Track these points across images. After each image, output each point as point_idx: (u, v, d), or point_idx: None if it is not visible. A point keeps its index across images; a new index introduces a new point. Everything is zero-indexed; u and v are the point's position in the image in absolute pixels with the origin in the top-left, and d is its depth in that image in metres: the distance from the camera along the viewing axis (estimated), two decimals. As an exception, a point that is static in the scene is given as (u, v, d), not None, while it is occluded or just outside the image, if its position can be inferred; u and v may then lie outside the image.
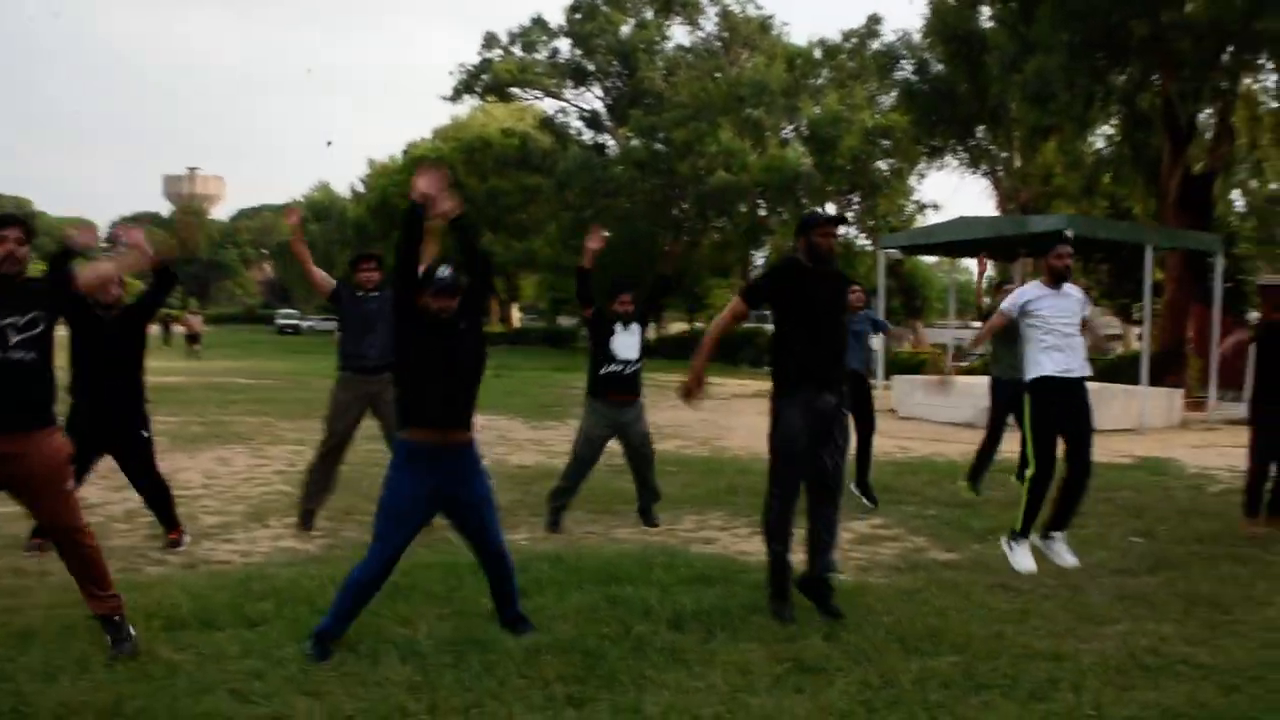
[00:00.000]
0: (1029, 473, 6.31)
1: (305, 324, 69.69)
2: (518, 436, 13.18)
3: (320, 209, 68.85)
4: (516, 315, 64.21)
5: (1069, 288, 6.54)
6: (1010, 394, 9.23)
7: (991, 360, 9.81)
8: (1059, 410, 6.27)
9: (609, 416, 7.53)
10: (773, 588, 5.27)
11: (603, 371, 7.51)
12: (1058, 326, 6.34)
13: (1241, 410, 8.09)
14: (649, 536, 7.37)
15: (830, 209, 38.33)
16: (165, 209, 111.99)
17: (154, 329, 26.32)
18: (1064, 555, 6.38)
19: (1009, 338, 9.44)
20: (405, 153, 53.63)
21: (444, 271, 4.63)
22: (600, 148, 44.71)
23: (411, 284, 4.54)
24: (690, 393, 5.37)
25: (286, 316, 71.58)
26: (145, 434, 6.54)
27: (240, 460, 10.83)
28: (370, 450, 9.11)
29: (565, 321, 60.30)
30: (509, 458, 11.24)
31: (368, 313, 7.36)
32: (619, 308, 7.55)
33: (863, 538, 7.51)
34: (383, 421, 7.36)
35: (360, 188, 61.44)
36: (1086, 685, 4.28)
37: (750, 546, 7.11)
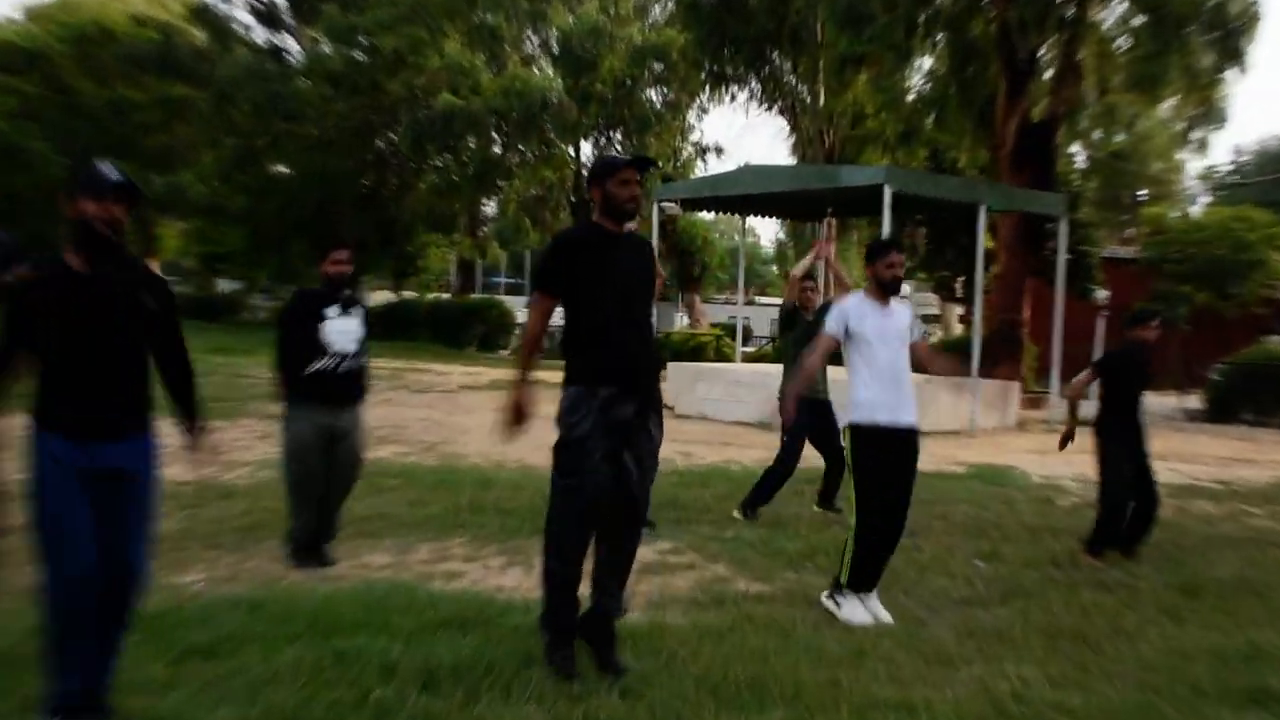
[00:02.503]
0: (852, 525, 6.65)
1: None
2: (171, 443, 12.65)
3: None
4: (155, 277, 61.47)
5: (896, 304, 6.89)
6: (808, 415, 9.63)
7: (784, 370, 10.04)
8: (887, 464, 6.62)
9: (318, 420, 7.28)
10: (552, 631, 5.31)
11: (309, 370, 7.25)
12: (884, 358, 6.65)
13: (1088, 409, 8.87)
14: (370, 571, 7.29)
15: (585, 150, 38.85)
16: None
17: None
18: (879, 612, 6.72)
19: (804, 343, 9.84)
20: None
21: (110, 171, 4.41)
22: (278, 52, 43.39)
23: None
24: (510, 423, 5.42)
25: None
26: None
27: None
28: None
29: (227, 285, 58.26)
30: (164, 470, 10.77)
31: None
32: (332, 268, 7.37)
33: (649, 567, 7.67)
34: None
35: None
36: (946, 739, 4.57)
37: (509, 580, 7.17)
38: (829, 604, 6.67)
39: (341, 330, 7.34)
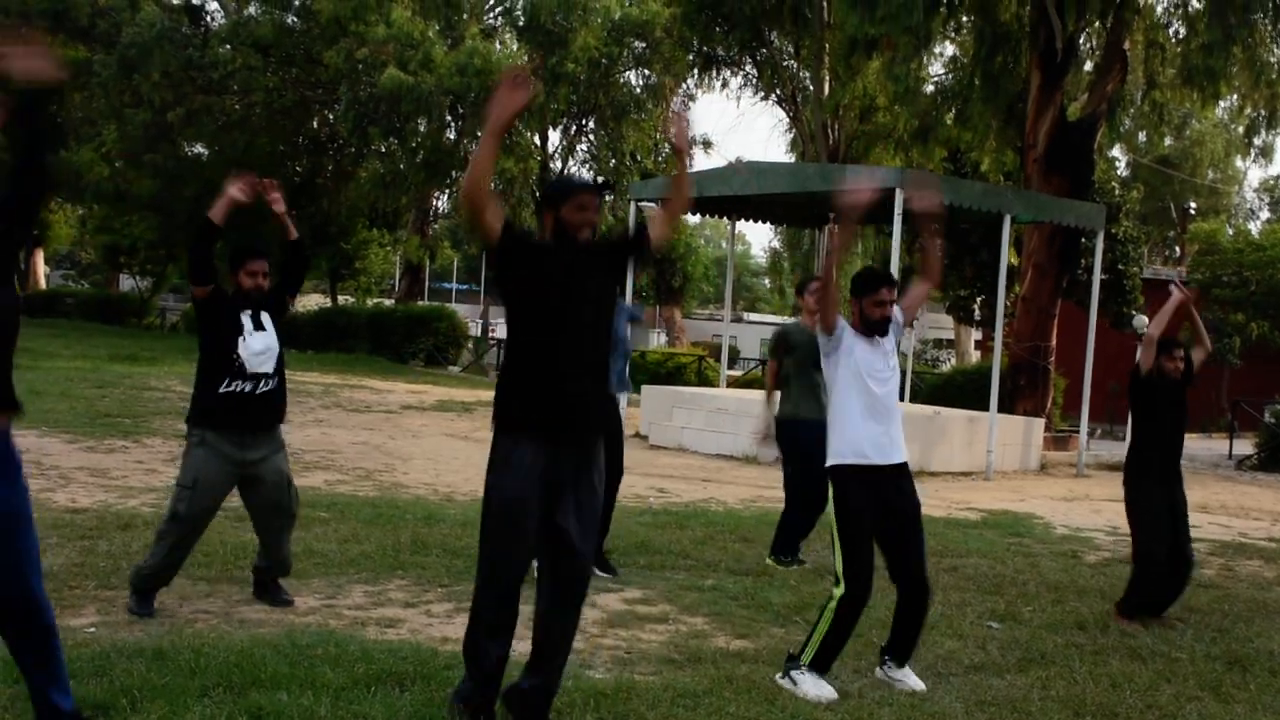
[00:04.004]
0: (837, 592, 6.61)
1: None
2: (64, 463, 12.64)
3: None
4: (43, 271, 61.12)
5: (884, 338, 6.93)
6: (805, 437, 9.67)
7: (782, 394, 10.14)
8: (878, 507, 6.67)
9: (228, 453, 7.23)
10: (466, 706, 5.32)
11: (222, 390, 7.22)
12: (877, 391, 6.70)
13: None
14: (296, 616, 7.28)
15: (553, 139, 38.88)
16: None
17: None
18: (910, 681, 6.76)
19: (799, 361, 9.92)
20: None
21: None
22: (196, 12, 43.24)
23: None
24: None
25: None
26: None
27: None
28: None
29: (128, 283, 57.99)
30: (53, 495, 10.78)
31: None
32: (247, 281, 7.35)
33: (616, 618, 7.71)
34: None
35: None
36: (952, 822, 4.61)
37: (455, 629, 7.14)
38: (783, 683, 6.51)
39: (259, 349, 7.31)
